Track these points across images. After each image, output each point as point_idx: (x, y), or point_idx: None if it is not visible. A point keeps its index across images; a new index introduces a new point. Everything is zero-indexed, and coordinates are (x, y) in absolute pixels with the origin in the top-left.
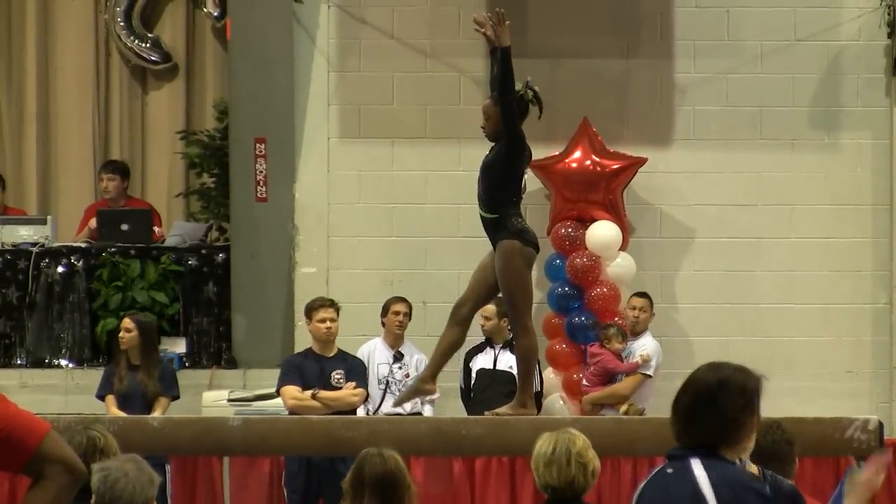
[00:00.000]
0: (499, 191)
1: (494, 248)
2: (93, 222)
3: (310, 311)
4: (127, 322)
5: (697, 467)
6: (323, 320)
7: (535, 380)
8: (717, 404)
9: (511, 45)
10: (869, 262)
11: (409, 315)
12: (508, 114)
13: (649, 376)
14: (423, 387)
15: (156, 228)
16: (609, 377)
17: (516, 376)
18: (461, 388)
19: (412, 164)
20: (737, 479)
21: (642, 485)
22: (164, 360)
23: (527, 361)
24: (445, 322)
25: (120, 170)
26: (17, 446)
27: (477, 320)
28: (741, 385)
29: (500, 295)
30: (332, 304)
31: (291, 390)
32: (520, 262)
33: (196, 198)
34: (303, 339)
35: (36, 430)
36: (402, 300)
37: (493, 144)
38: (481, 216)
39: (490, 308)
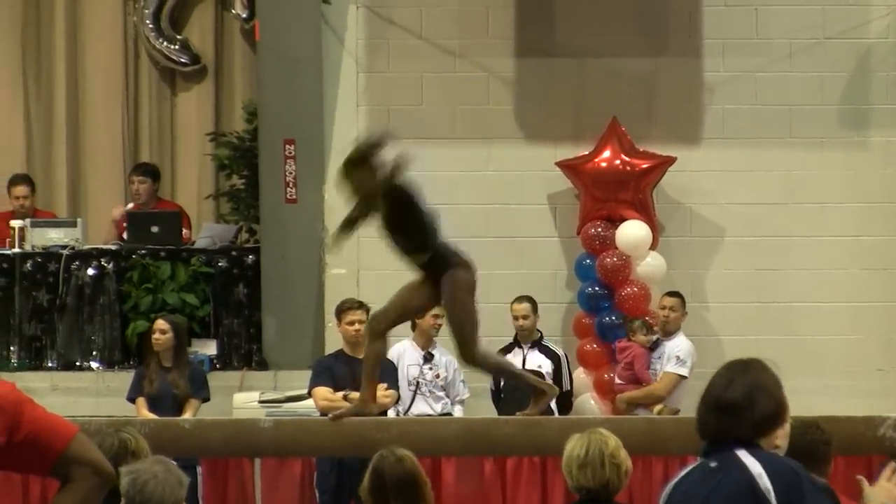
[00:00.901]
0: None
1: (437, 278)
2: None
3: (339, 312)
4: (162, 323)
5: (748, 458)
6: (352, 322)
7: (566, 379)
8: (755, 397)
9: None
10: None
11: (442, 317)
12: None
13: (685, 377)
14: (366, 408)
15: (185, 230)
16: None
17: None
18: (491, 388)
19: (441, 165)
20: (790, 468)
21: (674, 481)
22: (195, 361)
23: (505, 369)
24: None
25: (150, 172)
26: (45, 449)
27: (507, 319)
28: (775, 378)
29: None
30: (360, 305)
31: (322, 392)
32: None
33: (226, 199)
34: (333, 341)
35: (64, 433)
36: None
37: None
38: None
39: (525, 307)
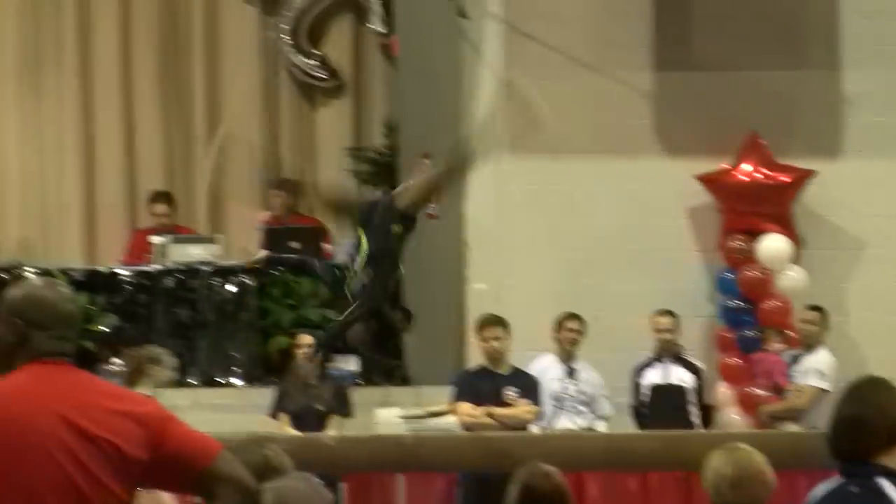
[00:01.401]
0: None
1: None
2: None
3: (478, 328)
4: (307, 339)
5: (891, 490)
6: (488, 339)
7: (707, 393)
8: (884, 413)
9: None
10: None
11: (582, 331)
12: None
13: (826, 391)
14: None
15: (326, 246)
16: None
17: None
18: (632, 403)
19: (581, 179)
20: None
21: (817, 498)
22: (337, 377)
23: None
24: (616, 336)
25: (289, 187)
26: (189, 466)
27: (648, 333)
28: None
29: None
30: (497, 321)
31: (465, 407)
32: None
33: None
34: (476, 356)
35: (207, 450)
36: (575, 316)
37: None
38: None
39: (667, 320)
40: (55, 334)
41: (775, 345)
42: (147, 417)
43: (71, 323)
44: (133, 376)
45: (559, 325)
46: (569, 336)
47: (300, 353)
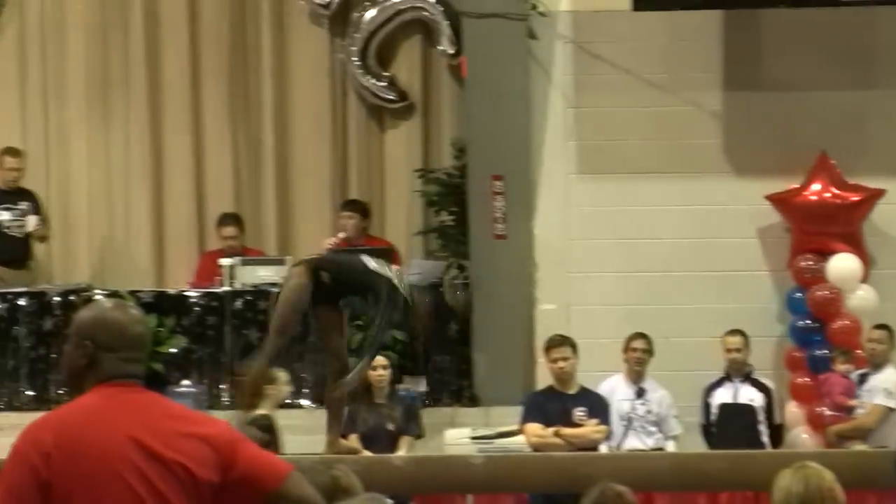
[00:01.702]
0: None
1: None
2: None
3: (547, 349)
4: (382, 360)
5: None
6: (556, 360)
7: (776, 413)
8: None
9: None
10: None
11: (649, 351)
12: None
13: (894, 409)
14: (331, 451)
15: (395, 267)
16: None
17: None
18: (702, 423)
19: (650, 199)
20: None
21: None
22: (407, 398)
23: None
24: (685, 356)
25: (359, 208)
26: (259, 488)
27: (718, 352)
28: None
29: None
30: (563, 342)
31: (534, 428)
32: None
33: (435, 236)
34: (544, 376)
35: (277, 472)
36: (642, 336)
37: None
38: None
39: (738, 339)
40: (125, 356)
41: (843, 364)
42: (217, 439)
43: (141, 345)
44: (252, 398)
45: (627, 345)
46: (635, 356)
47: (373, 373)
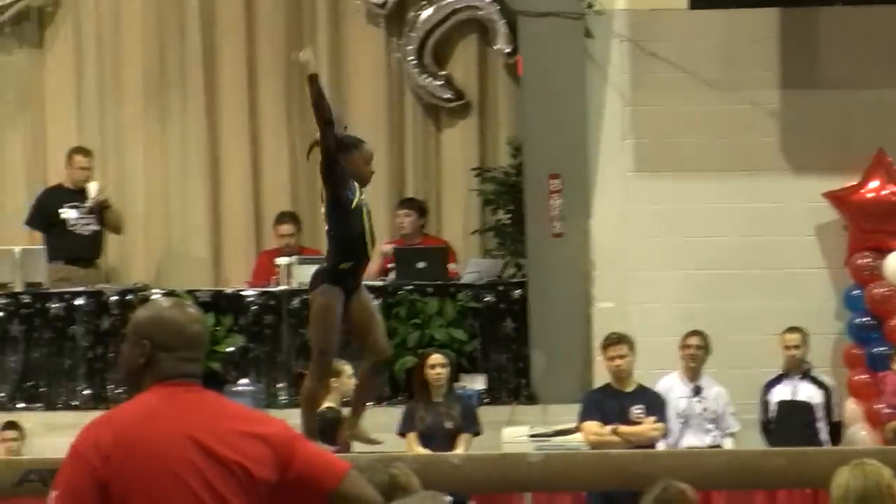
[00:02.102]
0: None
1: (356, 287)
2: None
3: (604, 347)
4: (441, 358)
5: None
6: (613, 358)
7: (835, 410)
8: None
9: (317, 75)
10: None
11: (705, 348)
12: (322, 153)
13: None
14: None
15: (452, 266)
16: None
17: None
18: (760, 419)
19: (707, 197)
20: None
21: None
22: (465, 396)
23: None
24: (743, 354)
25: (416, 207)
26: (317, 486)
27: (776, 350)
28: None
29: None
30: (620, 340)
31: (591, 426)
32: None
33: (491, 234)
34: (602, 374)
35: (335, 470)
36: (698, 333)
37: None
38: (368, 259)
39: (797, 336)
40: (183, 356)
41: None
42: (274, 438)
43: (198, 344)
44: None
45: (683, 342)
46: (690, 353)
47: (431, 371)
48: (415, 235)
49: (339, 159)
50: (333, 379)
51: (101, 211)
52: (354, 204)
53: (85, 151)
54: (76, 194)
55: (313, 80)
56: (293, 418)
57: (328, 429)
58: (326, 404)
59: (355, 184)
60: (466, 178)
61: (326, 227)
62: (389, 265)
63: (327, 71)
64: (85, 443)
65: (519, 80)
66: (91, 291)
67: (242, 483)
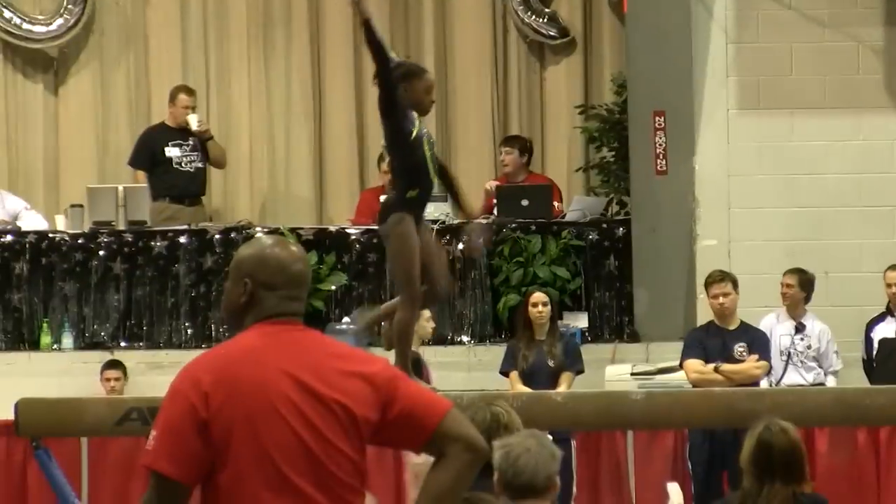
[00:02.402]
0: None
1: (422, 218)
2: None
3: (706, 285)
4: (542, 296)
5: None
6: (716, 295)
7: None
8: None
9: (369, 19)
10: None
11: (800, 287)
12: (380, 87)
13: None
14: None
15: (556, 203)
16: None
17: None
18: (863, 357)
19: (811, 135)
20: None
21: None
22: (568, 334)
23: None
24: (847, 292)
25: (520, 144)
26: (418, 425)
27: (880, 288)
28: None
29: None
30: (724, 277)
31: (694, 364)
32: None
33: (595, 172)
34: (705, 312)
35: (437, 409)
36: (795, 272)
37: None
38: (433, 187)
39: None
40: (285, 294)
41: None
42: (377, 377)
43: (301, 283)
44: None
45: (783, 280)
46: (783, 291)
47: (534, 310)
48: (518, 173)
49: (397, 91)
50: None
51: (203, 144)
52: (415, 135)
53: (188, 90)
54: (180, 133)
55: (367, 24)
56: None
57: (413, 368)
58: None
59: (414, 114)
60: (570, 115)
61: (388, 160)
62: (494, 202)
63: (431, 8)
64: (184, 382)
65: (623, 17)
66: (194, 230)
67: (343, 422)
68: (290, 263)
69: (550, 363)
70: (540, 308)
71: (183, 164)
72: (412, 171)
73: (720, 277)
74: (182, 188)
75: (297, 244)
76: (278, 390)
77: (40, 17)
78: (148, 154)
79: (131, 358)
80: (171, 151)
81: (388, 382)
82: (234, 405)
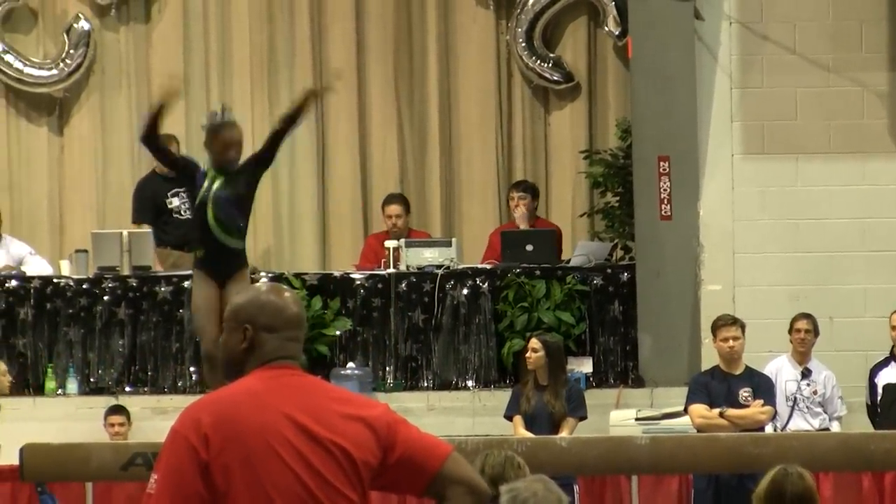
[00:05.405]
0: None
1: (228, 275)
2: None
3: (714, 329)
4: (534, 342)
5: None
6: (726, 339)
7: None
8: None
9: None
10: None
11: (813, 331)
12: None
13: None
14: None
15: (560, 249)
16: None
17: None
18: (867, 403)
19: (816, 179)
20: None
21: None
22: (572, 380)
23: None
24: (852, 336)
25: (531, 190)
26: (419, 468)
27: (885, 333)
28: None
29: None
30: (734, 321)
31: (699, 409)
32: None
33: (600, 217)
34: (710, 357)
35: (438, 453)
36: (807, 316)
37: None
38: (227, 246)
39: None
40: (286, 335)
41: None
42: (377, 421)
43: (299, 324)
44: None
45: (792, 325)
46: (799, 337)
47: (526, 357)
48: (530, 219)
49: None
50: None
51: None
52: (199, 198)
53: (176, 140)
54: (175, 181)
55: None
56: (402, 401)
57: None
58: None
59: (206, 174)
60: (575, 160)
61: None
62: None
63: (436, 53)
64: (185, 424)
65: (628, 62)
66: None
67: (343, 465)
68: (287, 306)
69: (553, 408)
70: (529, 353)
71: (182, 213)
72: (196, 231)
73: (731, 321)
74: (185, 235)
75: (290, 290)
76: (278, 433)
77: (44, 61)
78: (150, 207)
79: (136, 403)
80: (173, 202)
81: (389, 426)
82: (234, 447)
